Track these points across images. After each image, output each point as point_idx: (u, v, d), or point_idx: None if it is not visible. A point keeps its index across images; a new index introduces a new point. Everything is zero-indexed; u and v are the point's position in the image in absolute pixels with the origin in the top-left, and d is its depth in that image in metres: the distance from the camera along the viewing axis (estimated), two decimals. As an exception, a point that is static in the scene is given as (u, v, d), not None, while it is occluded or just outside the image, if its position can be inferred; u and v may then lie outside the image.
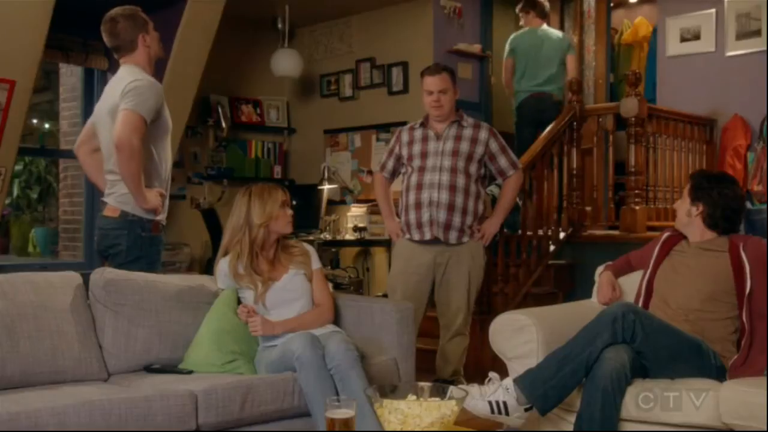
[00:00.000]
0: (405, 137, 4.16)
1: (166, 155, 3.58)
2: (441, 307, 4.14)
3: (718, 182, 3.12)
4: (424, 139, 4.08)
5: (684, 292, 2.98)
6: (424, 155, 4.05)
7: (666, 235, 3.25)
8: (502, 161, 4.12)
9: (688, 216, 3.11)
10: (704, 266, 3.00)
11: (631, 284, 3.26)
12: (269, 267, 3.22)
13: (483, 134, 4.07)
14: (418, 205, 4.03)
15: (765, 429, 2.43)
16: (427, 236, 4.01)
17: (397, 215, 4.21)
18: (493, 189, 4.83)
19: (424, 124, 4.11)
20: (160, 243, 3.50)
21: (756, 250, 2.93)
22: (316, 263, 3.32)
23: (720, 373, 2.76)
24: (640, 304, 3.11)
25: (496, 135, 4.13)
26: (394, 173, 4.27)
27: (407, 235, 4.10)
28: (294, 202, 6.67)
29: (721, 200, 3.05)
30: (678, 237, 3.19)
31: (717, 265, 2.97)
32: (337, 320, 3.30)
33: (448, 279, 4.07)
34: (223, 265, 3.23)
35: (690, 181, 3.18)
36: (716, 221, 3.06)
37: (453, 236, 4.02)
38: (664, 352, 2.73)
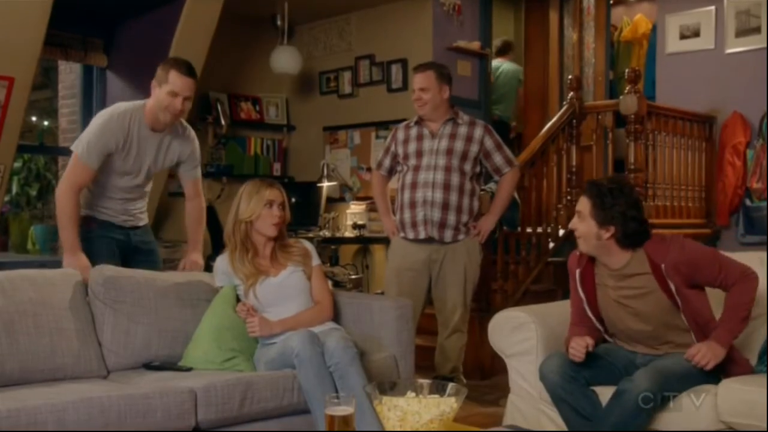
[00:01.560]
0: (401, 135, 4.15)
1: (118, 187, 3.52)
2: (438, 304, 4.15)
3: (621, 193, 2.77)
4: (419, 138, 4.08)
5: (635, 321, 2.83)
6: (419, 154, 4.05)
7: (574, 262, 2.96)
8: (498, 158, 4.12)
9: (598, 239, 2.77)
10: (637, 292, 2.80)
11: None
12: (266, 263, 3.21)
13: (478, 132, 4.07)
14: (413, 204, 4.03)
15: (764, 427, 2.43)
16: (422, 235, 4.02)
17: (394, 213, 4.21)
18: (492, 186, 4.83)
19: (419, 122, 4.11)
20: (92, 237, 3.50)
21: (661, 254, 2.75)
22: (315, 260, 3.32)
23: (711, 375, 2.70)
24: (591, 314, 2.95)
25: (491, 132, 4.13)
26: (392, 171, 4.27)
27: (402, 234, 4.11)
28: (293, 200, 6.72)
29: (630, 213, 2.74)
30: (588, 261, 2.91)
31: (646, 287, 2.78)
32: (336, 317, 3.30)
33: (444, 276, 4.07)
34: (219, 262, 3.23)
35: (588, 199, 2.78)
36: (631, 239, 2.77)
37: (448, 235, 4.02)
38: (677, 387, 2.67)
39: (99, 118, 3.39)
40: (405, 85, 6.33)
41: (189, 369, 2.99)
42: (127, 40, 5.61)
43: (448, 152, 4.01)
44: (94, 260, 3.30)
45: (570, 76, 5.72)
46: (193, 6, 5.20)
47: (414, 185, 4.04)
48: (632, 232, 2.76)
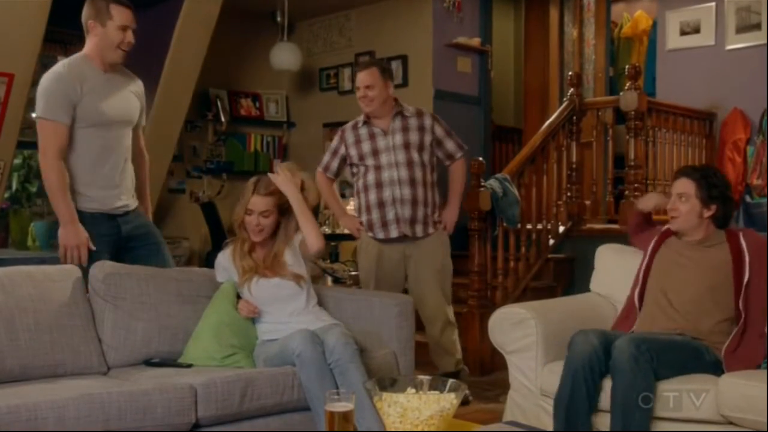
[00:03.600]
0: (350, 137, 4.11)
1: (107, 147, 3.31)
2: (418, 301, 4.00)
3: (722, 178, 3.09)
4: (371, 137, 4.05)
5: (685, 283, 2.98)
6: (375, 153, 4.03)
7: (663, 228, 3.23)
8: (450, 145, 4.14)
9: (699, 218, 3.02)
10: (707, 259, 3.00)
11: (628, 274, 3.25)
12: (266, 262, 3.18)
13: (428, 121, 4.09)
14: (381, 204, 4.01)
15: (764, 420, 2.44)
16: (394, 234, 4.00)
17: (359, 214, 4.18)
18: (492, 183, 4.82)
19: (367, 122, 4.08)
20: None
21: (754, 241, 2.96)
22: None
23: (717, 368, 2.76)
24: (636, 293, 3.11)
25: (439, 120, 4.16)
26: (338, 173, 4.25)
27: (370, 233, 4.09)
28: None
29: (729, 194, 3.04)
30: (670, 232, 3.16)
31: (718, 257, 2.98)
32: (336, 314, 3.29)
33: (422, 272, 4.06)
34: (220, 258, 3.23)
35: (694, 181, 3.02)
36: (726, 219, 3.05)
37: (419, 230, 4.04)
38: (669, 365, 2.71)
39: (46, 77, 3.22)
40: (405, 82, 6.33)
41: (189, 365, 2.99)
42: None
43: (405, 146, 4.00)
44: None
45: (570, 73, 5.72)
46: (193, 2, 5.20)
47: (379, 184, 4.01)
48: (728, 212, 3.04)
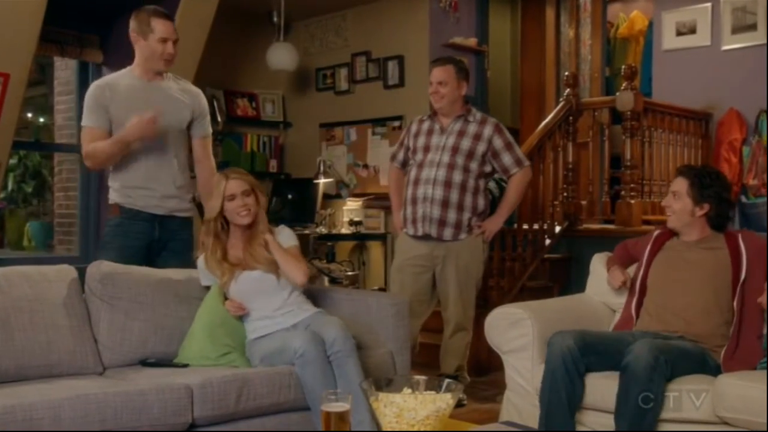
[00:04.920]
0: (414, 128, 4.17)
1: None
2: (442, 302, 4.15)
3: (718, 179, 3.08)
4: (429, 132, 4.07)
5: (685, 286, 2.98)
6: (426, 149, 4.05)
7: (657, 232, 3.23)
8: (506, 159, 4.07)
9: (691, 216, 3.04)
10: (707, 262, 3.00)
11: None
12: (243, 256, 3.14)
13: (487, 131, 4.04)
14: (414, 201, 4.03)
15: (760, 421, 2.44)
16: (420, 232, 4.02)
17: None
18: (492, 186, 4.81)
19: (432, 117, 4.10)
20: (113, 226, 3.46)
21: (753, 242, 2.96)
22: (288, 241, 3.19)
23: (717, 371, 2.77)
24: (634, 300, 3.11)
25: (501, 131, 4.07)
26: (405, 164, 4.25)
27: (405, 229, 4.11)
28: (289, 197, 6.72)
29: (724, 195, 3.04)
30: (668, 234, 3.17)
31: (718, 260, 2.98)
32: (333, 314, 3.28)
33: (446, 275, 4.07)
34: (199, 263, 3.22)
35: (687, 179, 3.05)
36: (720, 220, 3.05)
37: (448, 233, 4.00)
38: (680, 372, 2.72)
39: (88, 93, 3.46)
40: (402, 82, 6.33)
41: (185, 365, 2.99)
42: (123, 36, 5.58)
43: (453, 149, 3.99)
44: (112, 257, 3.25)
45: (566, 73, 5.73)
46: (189, 2, 5.19)
47: (417, 181, 4.04)
48: (724, 213, 3.03)
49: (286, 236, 3.21)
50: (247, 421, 2.80)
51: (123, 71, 3.50)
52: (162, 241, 3.48)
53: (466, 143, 4.00)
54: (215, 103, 6.58)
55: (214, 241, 3.14)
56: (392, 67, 6.39)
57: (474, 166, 4.01)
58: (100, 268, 3.10)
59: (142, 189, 3.42)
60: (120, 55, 5.62)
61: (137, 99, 3.40)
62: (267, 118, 7.06)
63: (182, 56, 5.38)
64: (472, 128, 4.03)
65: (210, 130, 3.69)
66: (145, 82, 3.46)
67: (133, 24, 3.45)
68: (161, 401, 2.58)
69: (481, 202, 4.08)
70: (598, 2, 7.34)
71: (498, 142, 4.05)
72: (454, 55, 6.32)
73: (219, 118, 6.56)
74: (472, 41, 6.47)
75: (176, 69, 5.39)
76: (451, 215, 3.98)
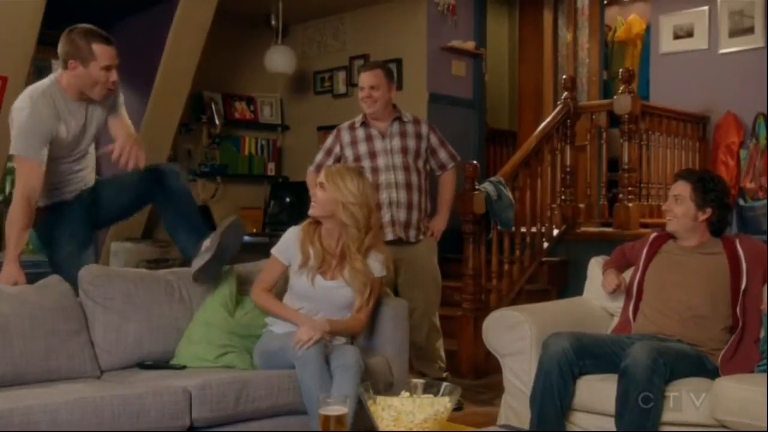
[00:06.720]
0: (346, 137, 4.10)
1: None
2: (407, 295, 3.92)
3: (719, 183, 3.07)
4: (369, 138, 4.05)
5: (683, 291, 2.97)
6: (373, 155, 4.02)
7: (654, 235, 3.23)
8: (442, 155, 4.16)
9: (694, 220, 3.01)
10: (705, 267, 2.99)
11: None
12: (336, 262, 3.04)
13: (424, 129, 4.12)
14: (378, 206, 4.00)
15: (759, 424, 2.44)
16: (389, 237, 3.97)
17: None
18: (486, 186, 4.82)
19: (365, 123, 4.09)
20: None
21: (752, 247, 2.95)
22: (379, 272, 3.08)
23: (715, 375, 2.77)
24: (631, 304, 3.11)
25: (434, 129, 4.18)
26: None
27: None
28: (287, 200, 6.72)
29: (726, 201, 3.04)
30: (664, 237, 3.16)
31: (716, 265, 2.97)
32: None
33: (414, 277, 4.04)
34: (290, 234, 3.08)
35: (690, 183, 3.03)
36: (721, 226, 3.04)
37: (412, 234, 4.04)
38: (678, 375, 2.72)
39: (21, 111, 3.07)
40: (399, 85, 6.33)
41: (183, 367, 2.98)
42: (121, 39, 5.59)
43: (402, 151, 4.02)
44: (67, 242, 3.21)
45: (564, 76, 5.73)
46: (187, 5, 5.20)
47: (376, 187, 4.01)
48: (724, 219, 3.03)
49: (379, 267, 3.07)
50: (245, 423, 2.80)
51: (53, 84, 3.16)
52: (99, 199, 3.36)
53: (411, 143, 4.04)
54: (213, 106, 6.59)
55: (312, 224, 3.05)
56: (390, 70, 6.39)
57: (421, 165, 4.08)
58: (91, 270, 3.09)
59: (66, 185, 3.31)
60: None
61: (70, 125, 3.17)
62: (265, 121, 7.07)
63: (180, 59, 5.41)
64: (410, 128, 4.08)
65: (125, 112, 3.39)
66: (75, 107, 3.19)
67: (67, 47, 3.08)
68: (159, 404, 2.58)
69: (429, 203, 4.15)
70: (596, 5, 7.35)
71: (434, 139, 4.13)
72: (452, 58, 6.38)
73: (217, 121, 6.56)
74: (470, 44, 6.48)
75: (175, 72, 5.41)
76: (414, 216, 4.02)
